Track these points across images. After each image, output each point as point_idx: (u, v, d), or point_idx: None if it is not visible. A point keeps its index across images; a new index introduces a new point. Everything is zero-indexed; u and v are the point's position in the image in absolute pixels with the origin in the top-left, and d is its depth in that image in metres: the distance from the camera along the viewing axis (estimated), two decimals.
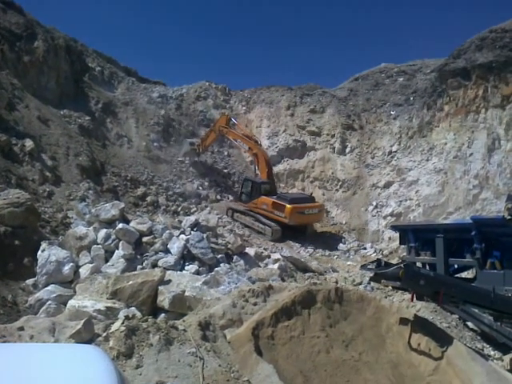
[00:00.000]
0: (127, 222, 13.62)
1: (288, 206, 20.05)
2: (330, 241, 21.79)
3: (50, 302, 10.16)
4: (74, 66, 25.23)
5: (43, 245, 12.05)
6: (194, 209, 22.03)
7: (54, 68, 23.20)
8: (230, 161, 27.40)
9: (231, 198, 24.70)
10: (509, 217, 10.56)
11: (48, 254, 11.51)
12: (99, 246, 12.67)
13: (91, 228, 13.30)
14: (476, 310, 10.60)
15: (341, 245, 21.45)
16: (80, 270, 11.85)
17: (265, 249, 18.12)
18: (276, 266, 14.79)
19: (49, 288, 10.67)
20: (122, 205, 14.32)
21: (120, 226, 12.93)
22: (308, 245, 20.43)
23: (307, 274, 15.50)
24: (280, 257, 16.17)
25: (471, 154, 20.09)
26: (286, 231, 20.50)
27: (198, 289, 10.37)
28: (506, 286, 10.53)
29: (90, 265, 11.97)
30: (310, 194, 22.91)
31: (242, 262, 14.54)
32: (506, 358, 9.82)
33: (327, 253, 20.22)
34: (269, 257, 16.37)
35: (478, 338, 10.71)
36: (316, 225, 22.59)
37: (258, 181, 22.34)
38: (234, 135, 23.61)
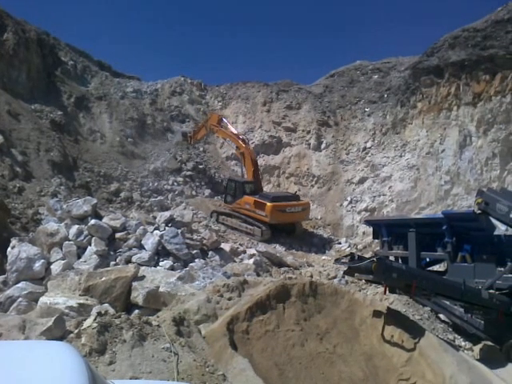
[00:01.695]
0: (100, 217, 13.43)
1: (268, 204, 19.77)
2: (315, 240, 21.80)
3: (20, 299, 9.94)
4: (45, 60, 24.68)
5: (13, 241, 11.80)
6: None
7: (24, 61, 22.64)
8: (205, 156, 27.27)
9: (206, 193, 24.57)
10: (479, 211, 10.80)
11: (18, 250, 11.25)
12: (71, 242, 12.46)
13: (63, 224, 13.07)
14: (447, 302, 10.83)
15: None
16: (51, 266, 11.63)
17: (240, 244, 18.09)
18: (251, 261, 14.80)
19: (19, 285, 10.44)
20: (94, 200, 14.11)
21: (92, 221, 12.74)
22: (291, 242, 20.43)
23: (282, 269, 15.55)
24: (255, 252, 16.19)
25: (443, 151, 20.42)
26: (276, 231, 20.32)
27: (172, 284, 10.29)
28: (476, 279, 10.77)
29: (62, 261, 11.75)
30: (295, 192, 22.71)
31: (217, 257, 14.50)
32: (476, 348, 10.07)
33: (306, 248, 20.26)
34: (244, 252, 16.38)
35: (450, 329, 10.94)
36: None
37: (240, 180, 22.21)
38: (224, 134, 23.78)
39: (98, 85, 27.43)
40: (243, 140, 22.96)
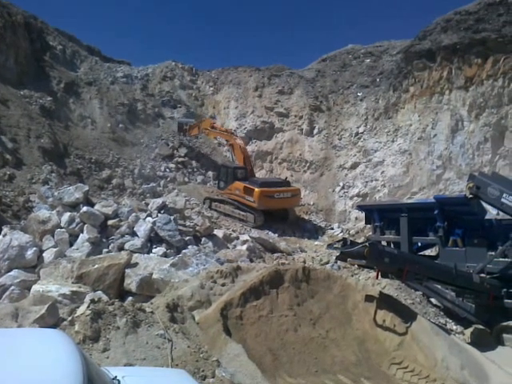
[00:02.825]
0: (92, 205, 13.36)
1: (256, 189, 19.78)
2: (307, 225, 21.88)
3: (13, 287, 9.91)
4: (34, 45, 24.24)
5: (5, 229, 11.73)
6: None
7: (12, 46, 22.20)
8: (197, 142, 27.09)
9: (199, 180, 24.51)
10: (470, 195, 10.84)
11: (10, 238, 11.19)
12: (63, 229, 12.40)
13: (54, 212, 12.98)
14: (439, 287, 10.93)
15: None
16: (44, 254, 11.58)
17: (233, 230, 18.09)
18: (244, 247, 14.83)
19: (11, 273, 10.41)
20: (86, 187, 14.03)
21: (84, 209, 12.67)
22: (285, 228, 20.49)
23: (275, 255, 15.60)
24: (248, 238, 16.20)
25: (435, 135, 20.46)
26: (269, 217, 20.29)
27: (165, 271, 10.29)
28: (468, 263, 10.87)
29: (54, 249, 11.71)
30: (285, 178, 22.72)
31: (210, 243, 14.51)
32: (467, 331, 10.19)
33: (299, 234, 20.32)
34: (237, 238, 16.38)
35: (441, 313, 11.05)
36: None
37: (231, 166, 22.30)
38: (214, 134, 24.93)
39: (87, 70, 27.04)
40: (231, 133, 23.99)
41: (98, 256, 11.04)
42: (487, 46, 19.24)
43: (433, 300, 11.55)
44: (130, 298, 9.47)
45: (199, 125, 25.34)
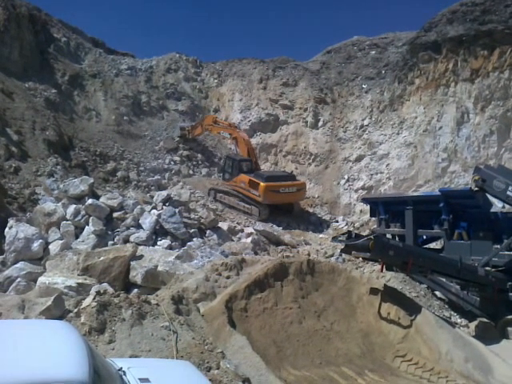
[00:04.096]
0: (97, 197, 13.41)
1: (262, 184, 19.66)
2: (311, 217, 21.89)
3: (19, 279, 9.99)
4: (38, 37, 24.23)
5: (11, 222, 11.79)
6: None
7: (16, 38, 22.19)
8: (202, 135, 27.09)
9: (203, 172, 24.52)
10: (476, 188, 10.81)
11: (16, 230, 11.27)
12: (69, 222, 12.46)
13: (60, 204, 13.05)
14: (444, 280, 10.93)
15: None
16: (49, 246, 11.66)
17: (238, 223, 18.11)
18: (249, 239, 14.84)
19: (18, 265, 10.49)
20: (91, 180, 14.09)
21: (90, 201, 12.73)
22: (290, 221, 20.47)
23: (280, 247, 15.61)
24: (253, 231, 16.22)
25: (440, 128, 20.34)
26: (273, 210, 20.28)
27: (170, 263, 10.33)
28: (473, 256, 10.85)
29: (60, 241, 11.77)
30: (291, 171, 22.68)
31: (215, 236, 14.54)
32: (472, 325, 10.20)
33: (304, 227, 20.31)
34: (242, 231, 16.41)
35: (446, 306, 11.05)
36: None
37: (237, 158, 22.24)
38: (218, 129, 24.52)
39: (91, 62, 27.00)
40: (234, 126, 23.86)
41: (104, 248, 11.09)
42: (493, 37, 19.07)
43: (437, 293, 11.55)
44: (136, 290, 9.53)
45: (202, 123, 25.20)
